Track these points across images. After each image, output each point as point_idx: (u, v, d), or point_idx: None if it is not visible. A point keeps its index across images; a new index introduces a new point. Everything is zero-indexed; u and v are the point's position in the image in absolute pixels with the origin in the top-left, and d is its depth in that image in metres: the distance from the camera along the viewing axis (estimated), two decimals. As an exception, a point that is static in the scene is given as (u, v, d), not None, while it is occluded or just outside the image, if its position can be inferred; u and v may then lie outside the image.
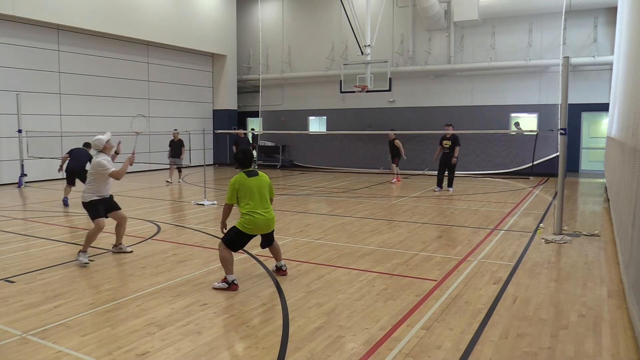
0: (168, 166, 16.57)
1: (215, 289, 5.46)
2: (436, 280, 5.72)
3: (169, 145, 16.36)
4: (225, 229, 5.81)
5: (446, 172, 13.94)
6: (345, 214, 10.32)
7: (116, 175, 6.61)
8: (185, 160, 16.49)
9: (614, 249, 7.17)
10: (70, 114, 17.54)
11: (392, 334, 4.23)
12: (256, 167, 22.53)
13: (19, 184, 15.00)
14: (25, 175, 15.32)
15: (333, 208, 11.16)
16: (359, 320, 4.57)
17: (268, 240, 5.90)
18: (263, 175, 5.80)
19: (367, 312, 4.75)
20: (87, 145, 11.51)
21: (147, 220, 9.56)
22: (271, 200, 5.86)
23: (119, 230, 7.02)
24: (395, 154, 15.85)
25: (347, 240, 7.84)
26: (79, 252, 6.60)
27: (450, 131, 13.77)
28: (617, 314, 4.70)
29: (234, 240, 5.56)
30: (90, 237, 6.60)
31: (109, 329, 4.37)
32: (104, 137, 6.85)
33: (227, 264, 5.50)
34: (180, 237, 8.10)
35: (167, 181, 16.18)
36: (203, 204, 11.47)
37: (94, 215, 6.65)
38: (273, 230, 5.85)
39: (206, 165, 17.44)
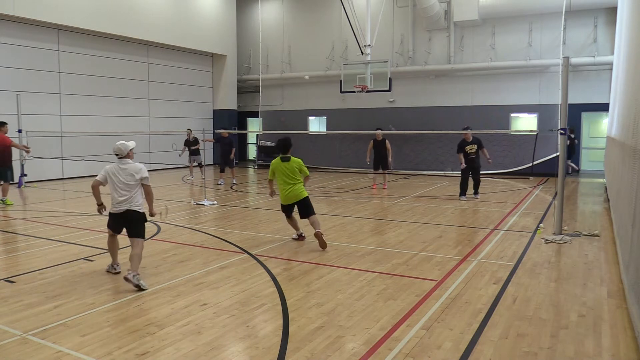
0: (168, 166, 16.84)
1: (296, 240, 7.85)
2: (436, 280, 5.72)
3: (185, 144, 17.18)
4: (272, 196, 8.18)
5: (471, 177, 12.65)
6: (345, 214, 10.32)
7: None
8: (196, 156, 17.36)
9: (614, 249, 7.17)
10: (70, 114, 17.54)
11: (392, 334, 4.23)
12: (256, 166, 22.58)
13: (19, 184, 14.99)
14: (25, 175, 15.32)
15: (333, 208, 11.16)
16: (359, 320, 4.56)
17: (304, 211, 7.59)
18: (294, 160, 7.57)
19: (367, 312, 4.75)
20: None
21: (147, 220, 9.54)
22: (306, 178, 7.69)
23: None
24: (384, 156, 14.12)
25: (347, 240, 7.84)
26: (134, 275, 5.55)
27: (469, 132, 12.48)
28: (617, 314, 4.70)
29: (283, 209, 7.77)
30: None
31: (109, 329, 4.37)
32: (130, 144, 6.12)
33: (291, 225, 7.87)
34: (180, 237, 8.10)
35: (187, 179, 17.21)
36: (203, 204, 11.47)
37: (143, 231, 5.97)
38: (306, 202, 7.56)
39: (206, 165, 17.46)
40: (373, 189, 14.57)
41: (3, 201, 11.51)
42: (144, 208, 5.92)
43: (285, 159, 7.51)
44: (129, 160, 5.91)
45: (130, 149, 5.96)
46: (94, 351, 3.94)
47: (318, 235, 7.21)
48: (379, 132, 14.35)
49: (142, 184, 5.87)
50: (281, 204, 7.73)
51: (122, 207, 5.79)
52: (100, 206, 6.05)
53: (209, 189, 13.10)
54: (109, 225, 6.02)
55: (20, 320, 4.57)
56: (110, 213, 5.95)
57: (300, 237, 7.86)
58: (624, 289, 5.19)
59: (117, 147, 5.91)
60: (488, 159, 12.42)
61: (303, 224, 7.94)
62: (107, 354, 3.89)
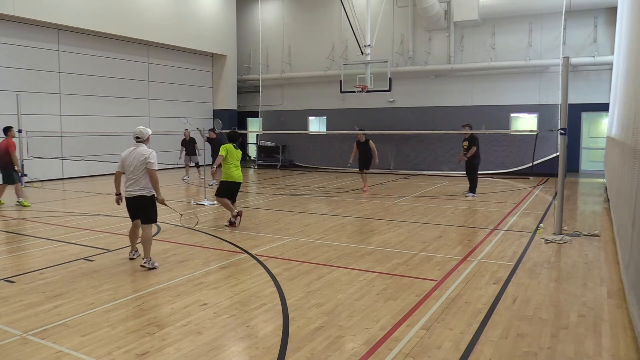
0: (168, 166, 16.84)
1: (225, 225, 8.89)
2: (436, 280, 5.72)
3: (182, 145, 16.97)
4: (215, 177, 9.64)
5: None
6: (345, 214, 10.32)
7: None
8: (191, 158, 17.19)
9: (614, 249, 7.17)
10: (70, 114, 17.54)
11: (392, 334, 4.23)
12: (256, 166, 22.58)
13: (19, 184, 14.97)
14: (25, 175, 15.31)
15: (333, 208, 11.16)
16: (359, 320, 4.56)
17: (236, 195, 9.14)
18: (239, 150, 9.16)
19: (367, 312, 4.75)
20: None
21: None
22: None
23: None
24: (368, 157, 13.86)
25: (347, 240, 7.84)
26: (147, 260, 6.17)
27: (467, 130, 12.60)
28: (617, 314, 4.70)
29: (226, 190, 8.96)
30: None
31: (109, 329, 4.37)
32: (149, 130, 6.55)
33: (227, 207, 8.95)
34: (180, 237, 8.10)
35: (183, 179, 16.94)
36: (203, 204, 11.47)
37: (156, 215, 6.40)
38: (240, 185, 9.15)
39: (206, 165, 17.41)
40: (364, 190, 14.14)
41: (19, 202, 11.29)
42: (153, 191, 6.30)
43: (236, 147, 9.09)
44: (143, 145, 6.27)
45: (149, 134, 6.37)
46: (94, 351, 3.94)
47: (241, 214, 9.03)
48: (360, 132, 14.08)
49: (146, 168, 6.12)
50: (226, 183, 8.91)
51: (134, 191, 6.18)
52: (118, 196, 6.50)
53: (208, 188, 13.10)
54: (130, 216, 6.46)
55: (20, 320, 4.57)
56: (125, 198, 6.35)
57: (232, 225, 8.93)
58: (624, 289, 5.19)
59: (138, 130, 6.29)
60: (464, 157, 12.63)
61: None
62: (107, 354, 3.89)
